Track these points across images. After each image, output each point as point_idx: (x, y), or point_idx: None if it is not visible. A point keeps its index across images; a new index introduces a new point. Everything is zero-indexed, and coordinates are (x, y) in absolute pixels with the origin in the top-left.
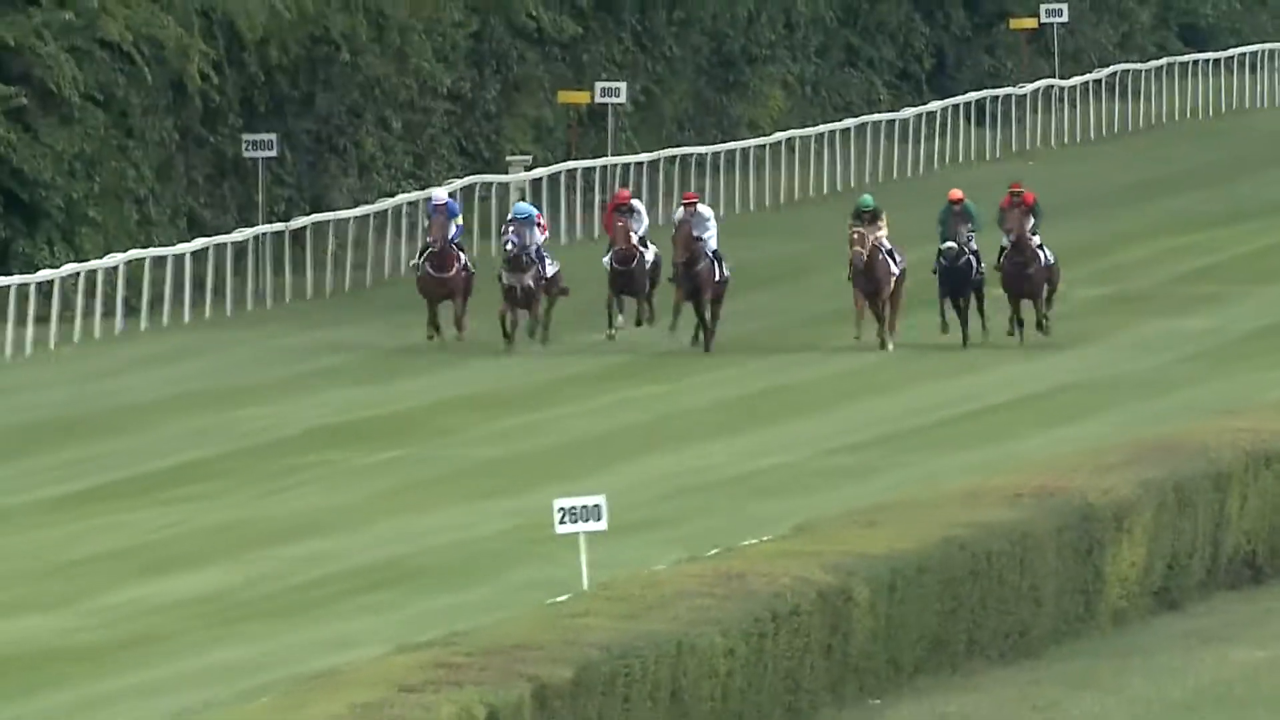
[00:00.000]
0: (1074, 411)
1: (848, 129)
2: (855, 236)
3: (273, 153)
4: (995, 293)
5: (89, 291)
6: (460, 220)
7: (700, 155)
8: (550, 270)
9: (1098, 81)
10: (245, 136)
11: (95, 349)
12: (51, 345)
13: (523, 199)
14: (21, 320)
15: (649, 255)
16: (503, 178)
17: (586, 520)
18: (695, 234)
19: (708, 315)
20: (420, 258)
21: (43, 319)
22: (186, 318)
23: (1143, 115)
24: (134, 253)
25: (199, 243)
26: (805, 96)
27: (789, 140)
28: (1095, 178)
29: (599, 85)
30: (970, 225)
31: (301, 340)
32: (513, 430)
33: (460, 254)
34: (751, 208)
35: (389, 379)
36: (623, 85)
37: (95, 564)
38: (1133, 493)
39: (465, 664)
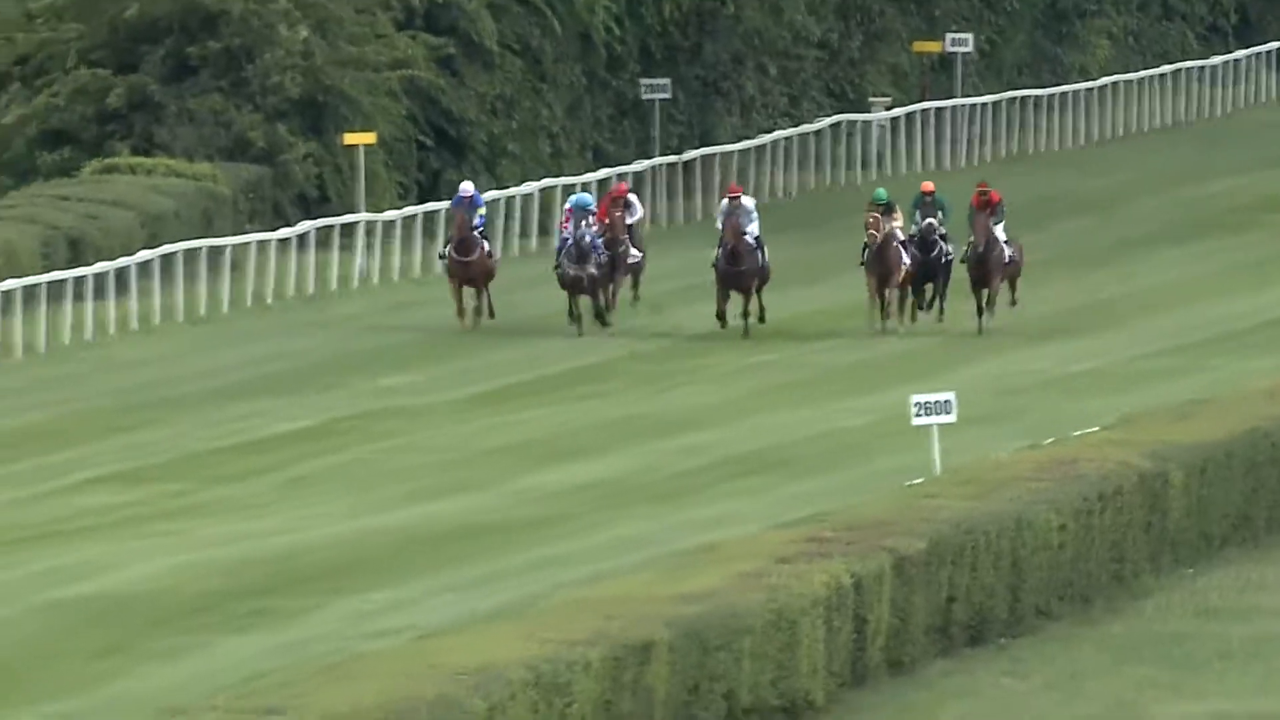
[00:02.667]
0: None
1: (1164, 74)
2: (871, 220)
3: (667, 95)
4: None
5: (508, 215)
6: (483, 210)
7: (1037, 97)
8: (605, 257)
9: None
10: (643, 81)
11: (513, 266)
12: None
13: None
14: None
15: (634, 254)
16: (865, 116)
17: (938, 414)
18: (741, 226)
19: (753, 304)
20: (446, 246)
21: None
22: None
23: None
24: (547, 181)
25: (603, 172)
26: (1128, 45)
27: (1114, 84)
28: None
29: (949, 36)
30: (941, 214)
31: (688, 258)
32: (866, 339)
33: (484, 241)
34: (1082, 143)
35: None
36: (969, 36)
37: (503, 454)
38: None
39: (833, 538)
